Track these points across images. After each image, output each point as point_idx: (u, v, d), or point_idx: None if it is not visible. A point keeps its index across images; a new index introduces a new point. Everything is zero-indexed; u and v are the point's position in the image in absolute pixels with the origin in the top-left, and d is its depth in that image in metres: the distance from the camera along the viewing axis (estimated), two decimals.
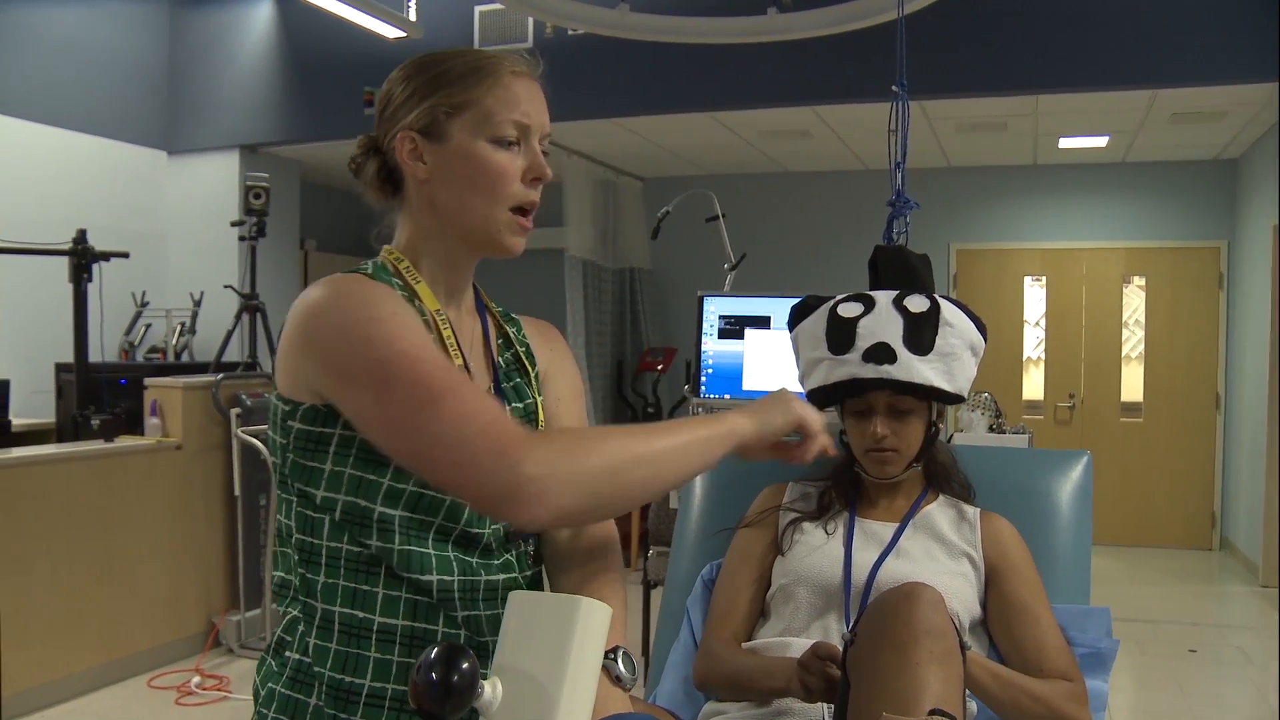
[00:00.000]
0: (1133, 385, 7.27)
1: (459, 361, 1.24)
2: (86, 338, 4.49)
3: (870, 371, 1.65)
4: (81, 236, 4.45)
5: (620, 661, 1.18)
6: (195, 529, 4.44)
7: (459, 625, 1.19)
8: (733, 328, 3.05)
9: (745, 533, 1.79)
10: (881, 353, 1.64)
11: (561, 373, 1.40)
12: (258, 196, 5.13)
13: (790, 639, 1.61)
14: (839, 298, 1.77)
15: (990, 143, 6.50)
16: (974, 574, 1.68)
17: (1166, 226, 7.10)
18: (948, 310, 1.69)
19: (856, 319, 1.70)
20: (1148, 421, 7.22)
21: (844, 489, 1.78)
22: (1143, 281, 7.23)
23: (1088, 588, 1.83)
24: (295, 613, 1.21)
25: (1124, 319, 7.28)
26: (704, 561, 1.93)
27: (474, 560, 1.20)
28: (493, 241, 1.24)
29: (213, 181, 6.35)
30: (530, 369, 1.35)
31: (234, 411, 4.46)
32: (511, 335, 1.37)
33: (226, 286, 5.61)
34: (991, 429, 3.92)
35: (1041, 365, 7.43)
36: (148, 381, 4.49)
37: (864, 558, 1.66)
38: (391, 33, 5.13)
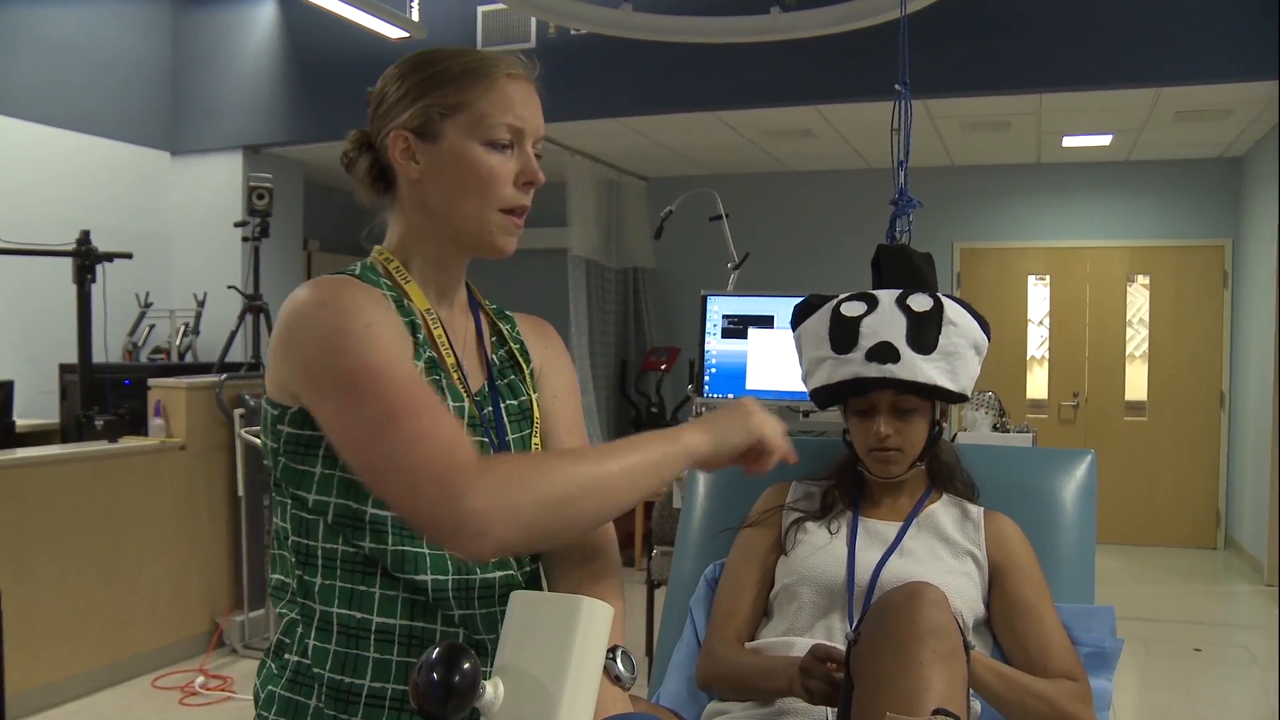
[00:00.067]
0: (1137, 384, 7.26)
1: (451, 360, 1.24)
2: (90, 338, 4.49)
3: (873, 370, 1.64)
4: (85, 237, 4.45)
5: (619, 661, 1.17)
6: (199, 529, 4.44)
7: (456, 624, 1.19)
8: (736, 327, 3.04)
9: (748, 532, 1.79)
10: (885, 352, 1.64)
11: (557, 369, 1.39)
12: (261, 197, 5.13)
13: (794, 638, 1.61)
14: (842, 296, 1.76)
15: (994, 141, 6.50)
16: (978, 573, 1.67)
17: (1170, 225, 7.08)
18: (951, 309, 1.69)
19: (860, 318, 1.69)
20: (1152, 420, 7.21)
21: (847, 488, 1.77)
22: (1147, 280, 7.22)
23: (1092, 587, 1.82)
24: (293, 615, 1.21)
25: (1128, 318, 7.26)
26: (707, 561, 1.93)
27: None
28: (484, 242, 1.24)
29: (216, 182, 6.36)
30: (525, 366, 1.35)
31: (237, 412, 4.46)
32: (505, 332, 1.36)
33: (230, 287, 5.62)
34: (995, 428, 3.92)
35: (1045, 364, 7.42)
36: (151, 382, 4.50)
37: (867, 557, 1.66)
38: (394, 33, 5.13)
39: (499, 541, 1.01)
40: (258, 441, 4.39)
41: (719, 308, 3.06)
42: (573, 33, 5.35)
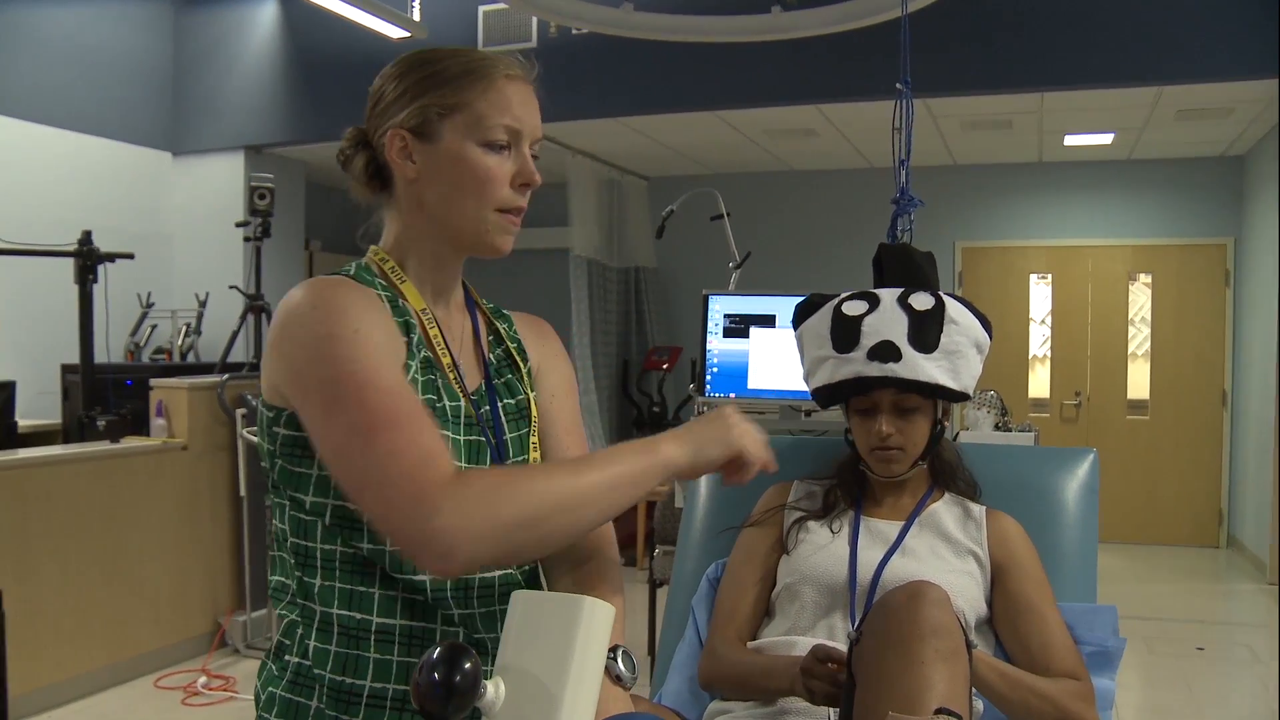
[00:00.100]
0: (1139, 383, 7.25)
1: (447, 360, 1.24)
2: (92, 339, 4.49)
3: (875, 369, 1.64)
4: (87, 238, 4.45)
5: (620, 661, 1.17)
6: (201, 529, 4.44)
7: (456, 623, 1.19)
8: (738, 326, 3.04)
9: (750, 532, 1.79)
10: (886, 351, 1.64)
11: (554, 368, 1.39)
12: (262, 197, 5.14)
13: (796, 638, 1.61)
14: (843, 295, 1.76)
15: (995, 140, 6.49)
16: (980, 572, 1.67)
17: (1172, 223, 7.08)
18: (953, 308, 1.69)
19: (861, 317, 1.69)
20: (1154, 419, 7.20)
21: (849, 487, 1.77)
22: (1149, 279, 7.21)
23: (1094, 586, 1.82)
24: (294, 616, 1.21)
25: (1130, 316, 7.26)
26: (709, 561, 1.93)
27: None
28: (480, 241, 1.23)
29: (218, 182, 6.36)
30: (522, 365, 1.34)
31: (239, 412, 4.46)
32: (502, 331, 1.36)
33: (231, 287, 5.62)
34: (997, 427, 3.92)
35: (1047, 363, 7.41)
36: (153, 382, 4.50)
37: (869, 556, 1.65)
38: (396, 33, 5.13)
39: (467, 560, 1.01)
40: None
41: (721, 307, 3.06)
42: (574, 32, 5.35)
